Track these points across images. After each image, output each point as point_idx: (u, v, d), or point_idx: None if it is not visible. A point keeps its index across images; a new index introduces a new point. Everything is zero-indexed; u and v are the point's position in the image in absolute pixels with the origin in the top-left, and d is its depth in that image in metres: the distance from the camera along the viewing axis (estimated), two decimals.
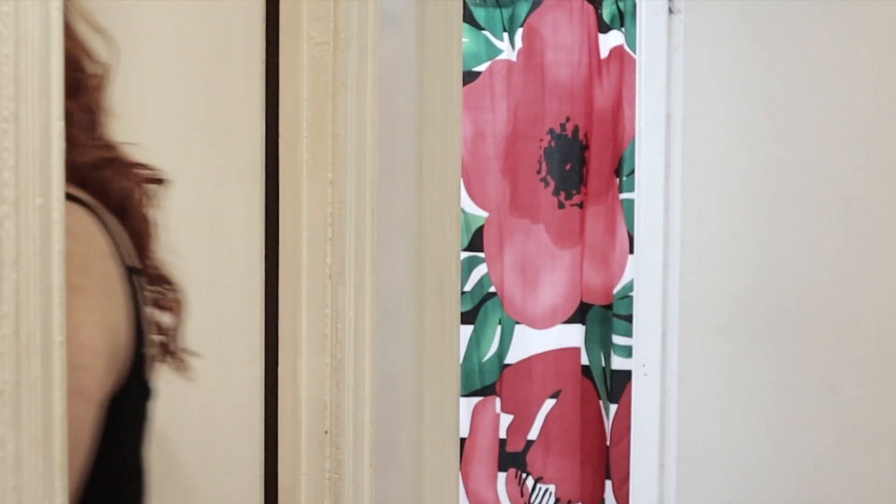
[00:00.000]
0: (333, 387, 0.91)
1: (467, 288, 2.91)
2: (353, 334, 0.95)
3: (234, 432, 0.94)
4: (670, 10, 2.46)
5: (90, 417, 0.70)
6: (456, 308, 1.34)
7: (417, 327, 1.25)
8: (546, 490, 2.88)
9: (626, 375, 2.73)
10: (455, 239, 1.35)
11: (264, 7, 0.97)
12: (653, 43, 2.50)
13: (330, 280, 0.94)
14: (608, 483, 2.87)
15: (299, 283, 0.94)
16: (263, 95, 0.96)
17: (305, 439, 0.91)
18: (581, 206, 2.93)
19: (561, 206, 2.93)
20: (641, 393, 2.54)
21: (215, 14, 0.98)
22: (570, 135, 2.94)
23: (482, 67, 2.95)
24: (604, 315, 2.91)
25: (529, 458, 2.89)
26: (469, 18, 2.96)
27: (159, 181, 0.81)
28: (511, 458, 2.91)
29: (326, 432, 0.90)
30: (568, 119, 2.94)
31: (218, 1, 0.98)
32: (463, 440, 2.89)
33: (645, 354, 2.52)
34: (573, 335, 2.92)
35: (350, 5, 1.01)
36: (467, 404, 2.90)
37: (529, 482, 2.89)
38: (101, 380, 0.72)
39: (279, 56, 0.98)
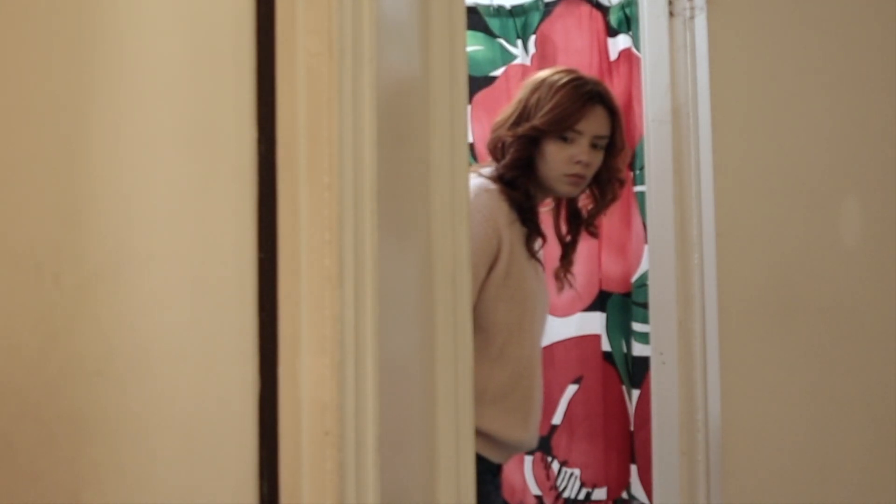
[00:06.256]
0: (333, 388, 0.86)
1: None
2: (354, 335, 0.90)
3: (224, 433, 0.89)
4: (671, 14, 2.43)
5: None
6: (468, 302, 1.29)
7: (429, 323, 1.20)
8: (571, 474, 2.81)
9: (647, 361, 2.66)
10: (465, 235, 1.30)
11: (254, 20, 0.93)
12: (656, 44, 2.46)
13: (329, 282, 0.89)
14: (633, 468, 2.80)
15: (298, 285, 0.89)
16: (255, 104, 0.92)
17: (306, 441, 0.86)
18: None
19: None
20: (660, 380, 2.47)
21: (200, 26, 0.94)
22: None
23: (498, 72, 2.92)
24: (623, 303, 2.85)
25: (554, 442, 2.82)
26: (484, 27, 2.95)
27: None
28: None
29: (327, 433, 0.85)
30: None
31: (204, 13, 0.94)
32: None
33: (662, 342, 2.46)
34: (593, 322, 2.87)
35: (345, 18, 0.97)
36: None
37: (555, 466, 2.83)
38: None
39: (275, 68, 0.94)
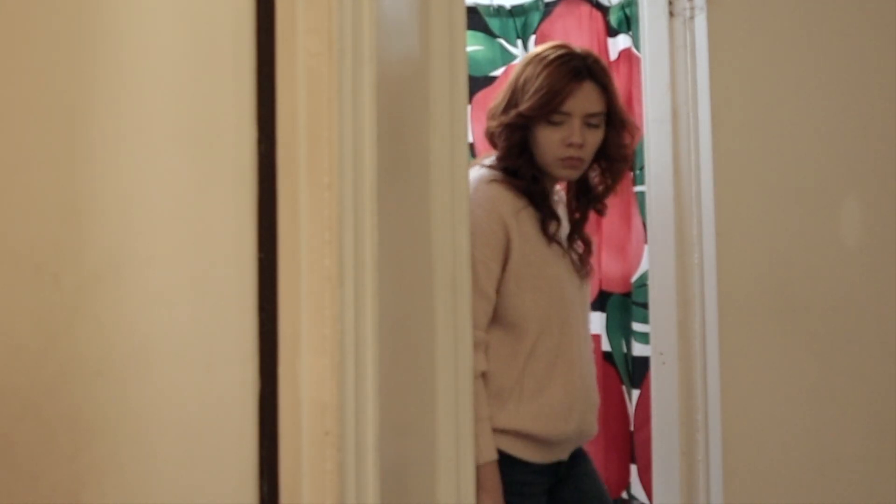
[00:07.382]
0: (333, 388, 0.86)
1: None
2: (354, 335, 0.90)
3: (224, 433, 0.89)
4: (671, 14, 2.43)
5: None
6: (468, 304, 1.29)
7: (429, 324, 1.20)
8: None
9: (647, 361, 2.66)
10: (465, 237, 1.30)
11: (254, 20, 0.93)
12: (656, 44, 2.46)
13: (329, 282, 0.89)
14: (633, 468, 2.79)
15: (298, 285, 0.89)
16: (255, 105, 0.92)
17: (306, 441, 0.86)
18: None
19: None
20: (660, 380, 2.47)
21: (201, 26, 0.94)
22: None
23: (498, 72, 2.92)
24: (623, 303, 2.85)
25: None
26: (484, 27, 2.95)
27: None
28: None
29: (327, 433, 0.85)
30: None
31: (204, 15, 0.94)
32: None
33: (662, 342, 2.46)
34: (594, 322, 2.86)
35: (345, 17, 0.97)
36: None
37: None
38: None
39: (276, 68, 0.94)
